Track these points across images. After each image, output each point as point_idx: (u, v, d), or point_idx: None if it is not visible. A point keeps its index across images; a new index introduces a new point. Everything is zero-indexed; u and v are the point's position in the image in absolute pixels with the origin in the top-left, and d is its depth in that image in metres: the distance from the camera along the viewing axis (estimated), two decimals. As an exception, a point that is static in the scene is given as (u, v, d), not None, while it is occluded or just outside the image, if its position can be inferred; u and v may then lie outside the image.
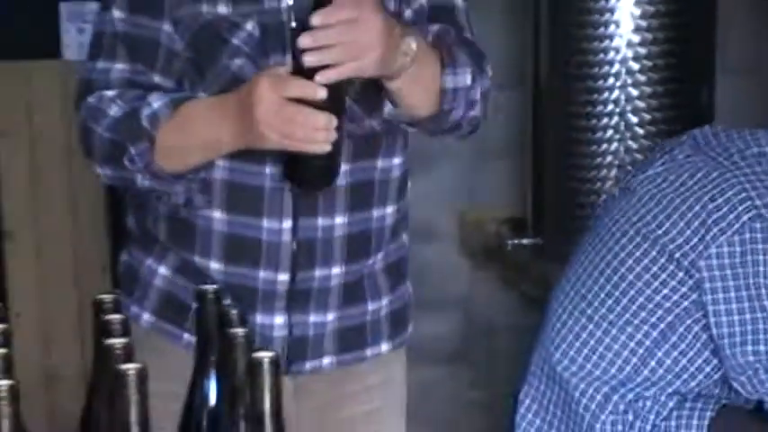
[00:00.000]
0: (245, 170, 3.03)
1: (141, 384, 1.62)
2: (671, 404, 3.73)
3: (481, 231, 6.50)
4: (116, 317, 1.97)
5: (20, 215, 6.89)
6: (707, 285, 3.53)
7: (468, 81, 2.95)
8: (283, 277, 3.02)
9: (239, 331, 1.80)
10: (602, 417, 3.76)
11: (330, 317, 3.02)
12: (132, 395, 1.63)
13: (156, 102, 2.97)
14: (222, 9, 2.99)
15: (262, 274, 3.04)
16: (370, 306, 3.19)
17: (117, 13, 3.07)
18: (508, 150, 6.52)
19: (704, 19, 5.62)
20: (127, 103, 3.01)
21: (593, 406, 3.75)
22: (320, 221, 3.00)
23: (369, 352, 3.16)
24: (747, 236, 3.49)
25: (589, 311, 3.76)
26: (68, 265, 6.74)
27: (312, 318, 3.05)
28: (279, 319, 3.04)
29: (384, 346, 3.21)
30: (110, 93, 3.06)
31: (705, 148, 3.86)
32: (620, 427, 3.76)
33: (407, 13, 3.07)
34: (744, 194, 3.54)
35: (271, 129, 2.67)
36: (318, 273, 3.04)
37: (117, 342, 1.78)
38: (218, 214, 3.05)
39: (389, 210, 3.11)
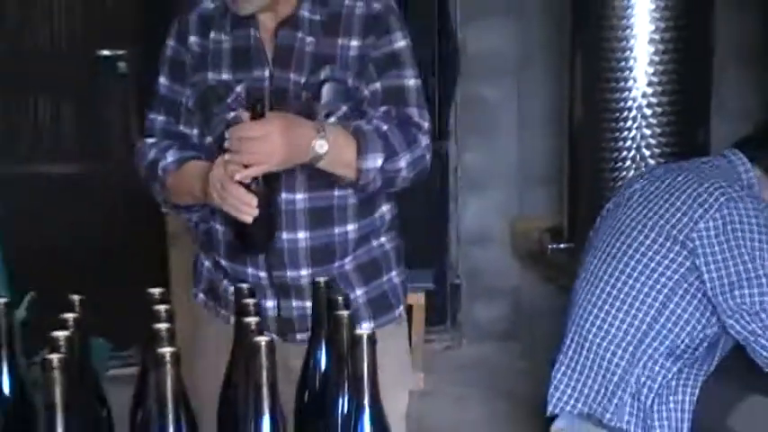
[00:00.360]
0: None
1: (270, 354, 1.81)
2: (675, 369, 3.89)
3: (528, 238, 6.74)
4: (252, 300, 2.24)
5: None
6: (699, 251, 3.78)
7: (379, 163, 3.14)
8: (263, 274, 3.29)
9: (344, 313, 1.98)
10: (621, 366, 3.94)
11: (308, 303, 2.97)
12: (264, 362, 1.81)
13: (170, 157, 3.35)
14: (225, 75, 3.29)
15: (249, 270, 3.31)
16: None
17: (162, 79, 3.45)
18: (549, 176, 6.73)
19: (702, 74, 5.83)
20: (156, 153, 3.39)
21: (624, 363, 3.93)
22: (285, 235, 3.24)
23: None
24: (725, 212, 3.74)
25: (609, 289, 3.97)
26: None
27: (294, 303, 3.29)
28: (270, 303, 3.32)
29: (366, 325, 3.29)
30: (150, 140, 3.45)
31: (676, 167, 4.19)
32: (642, 380, 3.92)
33: (365, 93, 3.25)
34: (717, 184, 3.82)
35: (215, 193, 3.00)
36: (289, 273, 3.29)
37: (252, 320, 2.02)
38: (220, 229, 3.37)
39: (350, 227, 3.30)
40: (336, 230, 3.26)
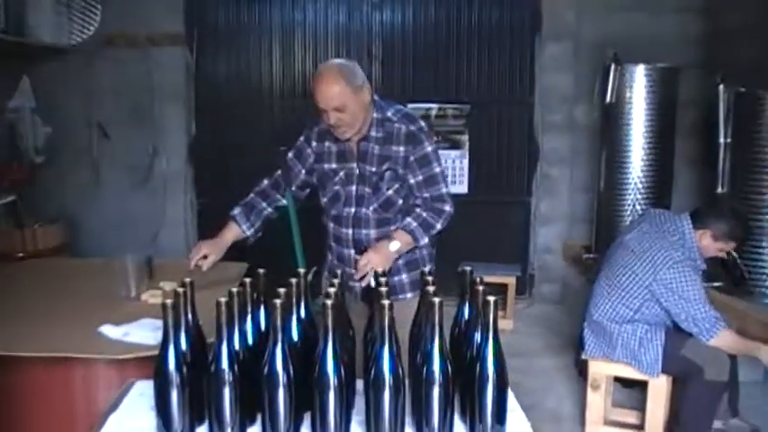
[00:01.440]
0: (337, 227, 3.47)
1: (441, 309, 1.88)
2: (646, 327, 4.13)
3: (572, 251, 6.92)
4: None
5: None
6: (656, 290, 4.01)
7: (426, 240, 3.34)
8: (351, 251, 3.43)
9: (481, 287, 2.00)
10: (622, 327, 4.18)
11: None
12: (437, 316, 1.88)
13: (237, 209, 3.59)
14: (332, 165, 3.41)
15: (345, 251, 3.47)
16: (395, 278, 3.46)
17: (290, 154, 3.56)
18: (585, 218, 6.88)
19: (667, 168, 6.03)
20: (249, 195, 3.60)
21: (616, 328, 4.18)
22: (362, 210, 3.39)
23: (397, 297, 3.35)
24: (674, 269, 3.95)
25: (608, 292, 4.21)
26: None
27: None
28: (349, 231, 3.43)
29: (408, 295, 3.44)
30: (264, 183, 3.61)
31: (655, 224, 4.16)
32: (628, 335, 4.16)
33: (410, 180, 3.35)
34: (668, 254, 3.97)
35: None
36: (360, 232, 3.42)
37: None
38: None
39: (393, 212, 3.40)
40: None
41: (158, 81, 6.67)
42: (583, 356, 4.48)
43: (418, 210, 3.38)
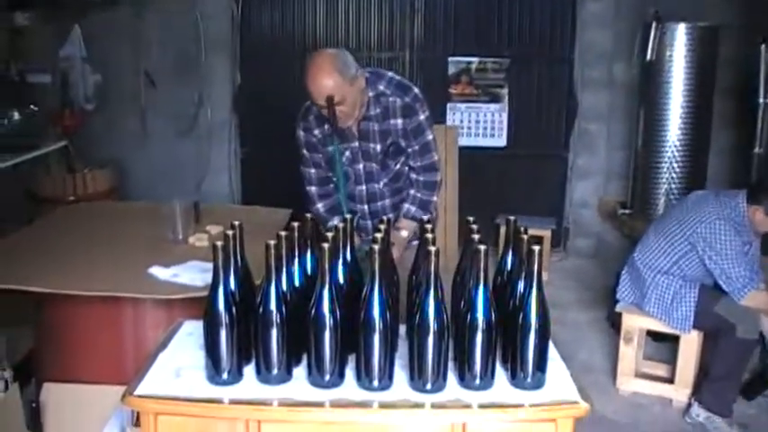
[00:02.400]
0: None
1: (486, 257, 1.88)
2: (681, 282, 4.17)
3: (608, 206, 6.79)
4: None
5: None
6: (696, 244, 4.04)
7: (426, 217, 2.88)
8: (368, 222, 3.46)
9: (525, 236, 1.99)
10: (657, 278, 4.23)
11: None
12: (482, 263, 1.87)
13: (322, 208, 3.51)
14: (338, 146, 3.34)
15: (361, 222, 3.46)
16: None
17: (304, 152, 3.48)
18: (621, 174, 6.79)
19: (706, 128, 5.97)
20: (318, 201, 3.55)
21: (654, 277, 4.22)
22: (374, 185, 3.41)
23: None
24: (715, 224, 3.99)
25: (655, 242, 4.24)
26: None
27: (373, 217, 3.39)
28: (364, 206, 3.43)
29: (414, 243, 3.23)
30: (313, 188, 3.54)
31: (714, 192, 4.23)
32: (664, 287, 4.21)
33: (414, 147, 3.34)
34: (718, 209, 4.03)
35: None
36: (376, 205, 3.45)
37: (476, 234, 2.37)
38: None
39: (403, 181, 3.42)
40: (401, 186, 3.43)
41: (204, 31, 6.64)
42: (617, 309, 4.50)
43: (412, 191, 3.40)
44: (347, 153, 3.38)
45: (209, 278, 1.94)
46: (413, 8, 6.82)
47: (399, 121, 3.29)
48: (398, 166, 3.42)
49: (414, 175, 3.41)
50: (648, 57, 5.78)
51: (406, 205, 3.40)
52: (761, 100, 5.00)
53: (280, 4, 6.90)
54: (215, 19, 6.73)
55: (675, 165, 5.95)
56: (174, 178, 6.57)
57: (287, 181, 5.65)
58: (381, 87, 3.29)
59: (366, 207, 3.49)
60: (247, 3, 6.83)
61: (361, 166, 3.41)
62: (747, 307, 4.05)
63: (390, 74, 3.37)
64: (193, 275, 3.09)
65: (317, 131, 3.40)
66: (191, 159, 6.85)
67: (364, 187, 3.46)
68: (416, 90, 3.33)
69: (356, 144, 3.36)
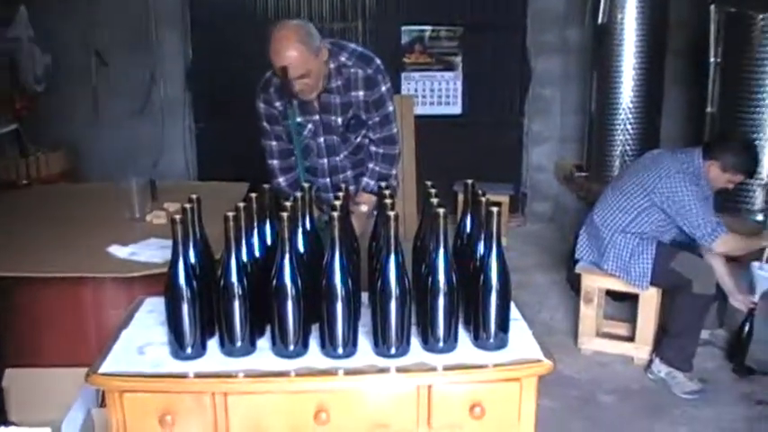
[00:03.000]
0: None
1: (446, 219, 1.87)
2: (638, 239, 4.20)
3: (564, 170, 6.89)
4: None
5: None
6: (658, 200, 4.07)
7: (375, 188, 3.21)
8: (330, 195, 3.36)
9: (436, 200, 1.98)
10: (615, 236, 4.25)
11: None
12: (441, 227, 1.88)
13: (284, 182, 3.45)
14: (299, 119, 3.28)
15: (323, 195, 3.41)
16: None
17: (264, 124, 3.39)
18: (576, 137, 6.87)
19: (658, 89, 6.03)
20: (280, 175, 3.48)
21: (612, 235, 4.24)
22: (335, 158, 3.37)
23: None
24: (675, 178, 4.02)
25: (614, 200, 4.25)
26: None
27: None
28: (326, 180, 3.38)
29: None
30: (274, 161, 3.47)
31: (670, 150, 4.29)
32: (622, 245, 4.24)
33: (375, 119, 3.31)
34: (676, 164, 4.06)
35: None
36: (338, 177, 3.40)
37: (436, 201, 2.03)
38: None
39: (363, 153, 3.37)
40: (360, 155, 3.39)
41: (153, 7, 6.58)
42: (576, 270, 4.56)
43: (371, 165, 3.38)
44: (309, 126, 3.33)
45: (168, 255, 1.92)
46: (366, -22, 6.74)
47: (361, 93, 3.26)
48: (359, 139, 3.38)
49: (373, 148, 3.38)
50: (600, 20, 5.83)
51: (366, 179, 3.38)
52: (711, 60, 5.03)
53: (230, -23, 6.75)
54: (164, -8, 6.58)
55: (629, 126, 6.01)
56: (130, 157, 6.50)
57: (243, 155, 5.64)
58: (343, 59, 3.23)
59: (328, 180, 3.45)
60: (197, -23, 6.67)
61: (322, 139, 3.36)
62: (703, 262, 4.13)
63: (352, 45, 3.33)
64: (152, 252, 3.07)
65: (277, 104, 3.33)
66: (145, 138, 6.80)
67: (326, 160, 3.41)
68: (378, 61, 3.29)
69: (317, 117, 3.31)
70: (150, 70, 6.73)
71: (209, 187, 4.30)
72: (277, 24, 3.11)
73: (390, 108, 3.34)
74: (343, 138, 3.36)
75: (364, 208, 3.27)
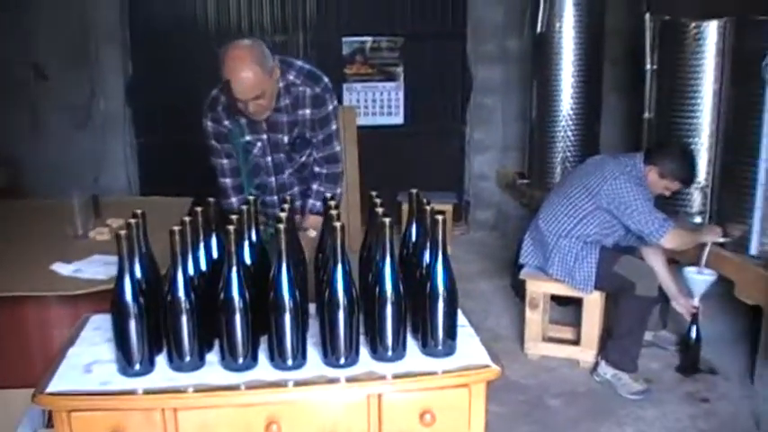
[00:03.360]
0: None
1: (392, 229, 1.88)
2: (582, 244, 4.26)
3: (506, 178, 6.93)
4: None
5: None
6: (604, 202, 4.13)
7: (321, 208, 3.03)
8: (274, 197, 3.41)
9: (381, 210, 1.97)
10: (560, 241, 4.30)
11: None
12: (387, 237, 1.89)
13: (236, 202, 3.39)
14: (247, 138, 3.27)
15: (270, 210, 3.40)
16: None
17: (213, 143, 3.36)
18: (518, 146, 6.92)
19: (596, 96, 6.07)
20: (233, 195, 3.46)
21: (557, 240, 4.29)
22: (282, 177, 3.37)
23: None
24: (619, 180, 4.08)
25: (559, 205, 4.31)
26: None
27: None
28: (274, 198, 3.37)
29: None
30: (226, 180, 3.44)
31: (613, 155, 4.39)
32: (567, 249, 4.29)
33: (319, 137, 3.31)
34: (620, 167, 4.14)
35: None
36: (286, 195, 3.33)
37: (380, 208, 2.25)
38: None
39: (308, 172, 3.37)
40: (305, 173, 3.39)
41: (94, 20, 6.50)
42: (521, 276, 4.60)
43: (316, 186, 3.37)
44: (258, 144, 3.32)
45: (112, 271, 1.90)
46: (306, -11, 6.74)
47: (308, 111, 3.25)
48: (304, 158, 3.39)
49: (317, 168, 3.38)
50: (539, 29, 5.89)
51: (311, 201, 3.37)
52: (647, 67, 5.13)
53: (170, -9, 6.70)
54: (104, 8, 6.58)
55: (570, 133, 6.06)
56: (70, 173, 6.39)
57: (185, 170, 5.59)
58: (291, 77, 3.21)
59: (276, 198, 3.43)
60: (136, -9, 6.62)
61: (269, 158, 3.36)
62: (646, 265, 4.22)
63: (300, 62, 3.30)
64: (97, 269, 3.04)
65: (226, 122, 3.28)
66: (86, 153, 6.70)
67: (274, 178, 3.41)
68: (326, 80, 3.28)
69: (265, 136, 3.30)
70: (90, 84, 6.63)
71: (152, 203, 4.22)
72: (230, 44, 3.04)
73: (334, 127, 3.34)
74: (288, 157, 3.35)
75: (313, 233, 3.21)
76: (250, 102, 3.04)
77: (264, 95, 3.06)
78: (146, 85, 6.77)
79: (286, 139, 3.29)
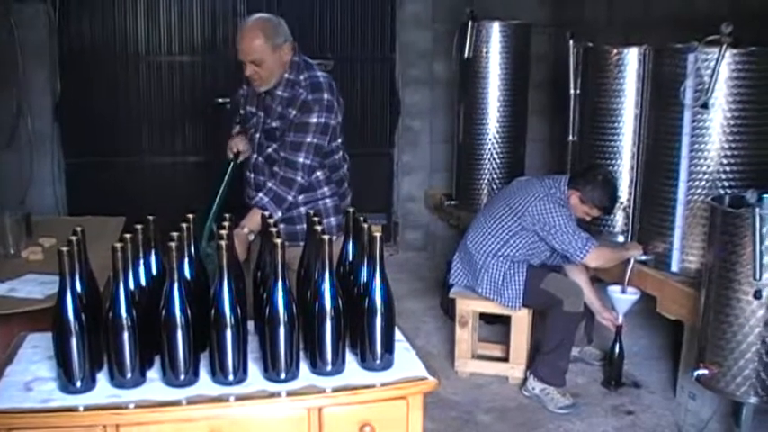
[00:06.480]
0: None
1: (331, 246, 1.97)
2: (509, 263, 4.33)
3: (434, 199, 6.86)
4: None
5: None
6: (528, 223, 4.22)
7: (279, 214, 3.27)
8: (250, 176, 3.52)
9: (365, 225, 2.06)
10: (488, 261, 4.36)
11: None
12: (326, 253, 2.08)
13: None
14: (251, 108, 3.50)
15: (251, 175, 3.52)
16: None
17: (241, 91, 3.66)
18: (445, 167, 6.95)
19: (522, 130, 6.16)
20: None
21: (485, 260, 4.35)
22: (258, 158, 3.46)
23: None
24: (544, 201, 4.19)
25: (485, 226, 4.38)
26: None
27: None
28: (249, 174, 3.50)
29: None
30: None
31: (538, 177, 4.52)
32: (494, 268, 4.34)
33: (290, 139, 3.35)
34: (544, 189, 4.25)
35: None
36: (258, 178, 3.48)
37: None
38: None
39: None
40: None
41: (21, 39, 6.32)
42: (450, 295, 4.65)
43: (270, 184, 3.37)
44: (253, 120, 3.51)
45: (47, 290, 1.95)
46: (235, 11, 6.73)
47: (294, 112, 3.35)
48: (270, 150, 3.45)
49: (276, 168, 3.40)
50: (466, 54, 5.94)
51: (260, 194, 3.35)
52: (571, 91, 5.25)
53: (100, 10, 6.63)
54: (31, 27, 6.41)
55: (496, 156, 6.12)
56: (-4, 192, 6.22)
57: (114, 190, 5.62)
58: (301, 77, 3.37)
59: (252, 176, 3.54)
60: (65, 10, 6.53)
61: (258, 135, 3.49)
62: (572, 282, 4.34)
63: (319, 73, 3.45)
64: (31, 288, 2.97)
65: (245, 87, 3.57)
66: (12, 172, 6.50)
67: (255, 156, 3.53)
68: (327, 96, 3.36)
69: (261, 113, 3.47)
70: (17, 103, 6.44)
71: (85, 222, 4.02)
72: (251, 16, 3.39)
73: (309, 139, 3.35)
74: (266, 139, 3.46)
75: (246, 230, 3.23)
76: (247, 64, 3.27)
77: (262, 66, 3.28)
78: (75, 105, 6.63)
79: (274, 124, 3.41)
